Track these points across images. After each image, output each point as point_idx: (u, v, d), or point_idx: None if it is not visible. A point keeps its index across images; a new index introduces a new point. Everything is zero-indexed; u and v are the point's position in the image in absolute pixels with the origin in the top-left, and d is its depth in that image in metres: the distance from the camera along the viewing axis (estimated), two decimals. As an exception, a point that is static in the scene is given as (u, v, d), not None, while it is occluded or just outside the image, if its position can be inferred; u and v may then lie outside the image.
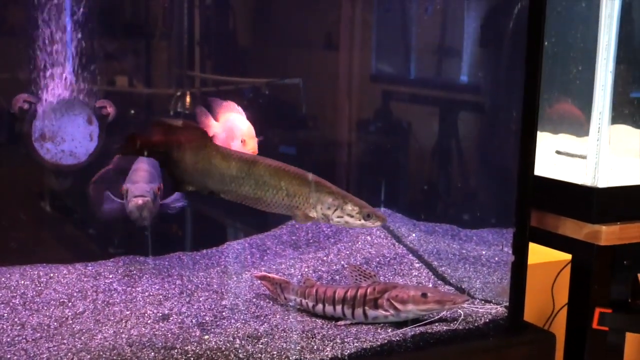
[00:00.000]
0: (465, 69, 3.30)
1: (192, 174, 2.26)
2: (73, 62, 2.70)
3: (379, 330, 2.30)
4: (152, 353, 2.11)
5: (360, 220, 2.21)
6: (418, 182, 3.51)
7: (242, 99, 3.10)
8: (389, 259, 2.83)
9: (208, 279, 2.66)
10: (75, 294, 2.49)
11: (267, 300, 2.54)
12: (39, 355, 2.09)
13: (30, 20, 2.64)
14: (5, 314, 2.35)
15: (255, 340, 2.21)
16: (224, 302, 2.49)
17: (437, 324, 2.33)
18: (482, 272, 2.73)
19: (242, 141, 2.47)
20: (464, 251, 2.88)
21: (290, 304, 2.48)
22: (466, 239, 3.01)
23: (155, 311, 2.38)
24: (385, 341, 2.23)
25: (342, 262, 2.79)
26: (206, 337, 2.22)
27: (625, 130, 2.72)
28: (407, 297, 2.29)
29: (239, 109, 2.61)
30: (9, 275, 2.57)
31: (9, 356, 2.09)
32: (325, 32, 3.43)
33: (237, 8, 3.35)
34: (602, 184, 2.48)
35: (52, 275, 2.60)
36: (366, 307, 2.33)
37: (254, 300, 2.53)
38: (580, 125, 2.59)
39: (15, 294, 2.47)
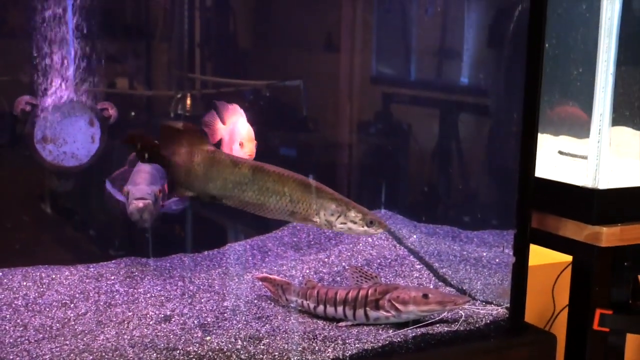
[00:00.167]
0: (466, 71, 3.30)
1: (192, 179, 2.27)
2: (75, 64, 2.71)
3: (380, 332, 2.30)
4: (154, 354, 2.12)
5: (363, 226, 2.22)
6: (419, 184, 3.52)
7: (242, 101, 3.10)
8: (390, 260, 2.83)
9: (209, 281, 2.67)
10: (77, 295, 2.50)
11: (269, 302, 2.54)
12: (42, 356, 2.09)
13: (32, 23, 2.65)
14: (8, 315, 2.36)
15: (257, 341, 2.21)
16: (225, 304, 2.49)
17: (438, 325, 2.34)
18: (483, 273, 2.73)
19: (240, 144, 2.47)
20: (464, 253, 2.89)
21: (292, 305, 2.48)
22: (467, 240, 3.01)
23: (157, 312, 2.39)
24: (387, 342, 2.24)
25: (344, 264, 2.80)
26: (208, 338, 2.22)
27: (625, 132, 2.72)
28: (408, 298, 2.30)
29: (241, 111, 2.62)
30: (11, 277, 2.58)
31: (11, 357, 2.09)
32: (326, 34, 3.43)
33: (238, 10, 3.36)
34: (602, 185, 2.49)
35: (54, 276, 2.60)
36: (367, 308, 2.33)
37: (256, 301, 2.54)
38: (581, 127, 2.59)
39: (17, 295, 2.48)
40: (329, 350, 2.18)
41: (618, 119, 2.57)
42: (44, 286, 2.54)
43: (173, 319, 2.35)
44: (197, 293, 2.56)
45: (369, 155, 3.62)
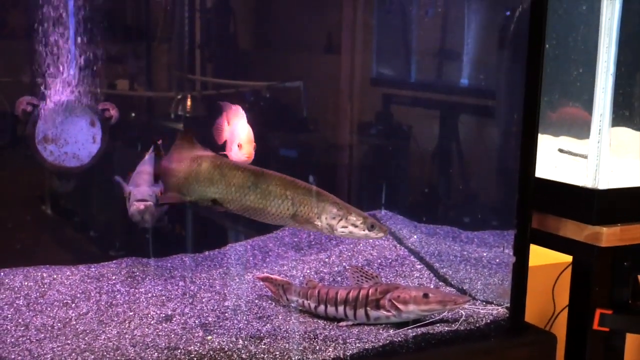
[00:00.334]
0: (466, 72, 3.31)
1: (190, 184, 2.28)
2: (76, 65, 2.71)
3: (380, 331, 2.31)
4: (156, 353, 2.12)
5: (364, 230, 2.22)
6: (419, 185, 3.52)
7: (243, 102, 3.11)
8: (390, 260, 2.84)
9: (210, 281, 2.67)
10: (78, 295, 2.50)
11: (270, 302, 2.55)
12: (43, 356, 2.10)
13: (34, 23, 2.65)
14: (9, 315, 2.36)
15: (258, 341, 2.22)
16: (226, 303, 2.50)
17: (438, 325, 2.34)
18: (483, 273, 2.74)
19: (238, 145, 2.48)
20: (465, 253, 2.89)
21: (293, 305, 2.49)
22: (467, 240, 3.02)
23: (158, 312, 2.39)
24: (387, 342, 2.24)
25: (344, 264, 2.80)
26: (209, 337, 2.23)
27: (625, 132, 2.73)
28: (408, 297, 2.30)
29: (243, 113, 2.62)
30: (12, 277, 2.58)
31: (13, 356, 2.10)
32: (326, 35, 3.44)
33: (238, 11, 3.36)
34: (602, 185, 2.49)
35: (55, 276, 2.61)
36: (368, 308, 2.34)
37: (257, 301, 2.54)
38: (581, 128, 2.60)
39: (19, 295, 2.48)
40: (330, 349, 2.19)
41: (618, 119, 2.58)
42: (45, 286, 2.54)
43: (174, 319, 2.35)
44: (198, 293, 2.56)
45: (369, 156, 3.63)
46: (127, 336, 2.23)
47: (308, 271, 2.77)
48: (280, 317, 2.42)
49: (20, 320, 2.33)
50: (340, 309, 2.37)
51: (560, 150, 2.74)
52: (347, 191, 3.51)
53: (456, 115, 3.39)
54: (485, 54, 3.21)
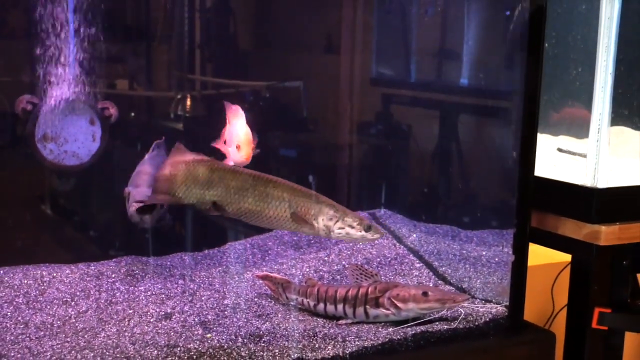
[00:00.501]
0: (465, 71, 3.31)
1: (189, 187, 2.30)
2: (76, 63, 2.71)
3: (380, 329, 2.31)
4: (155, 351, 2.12)
5: (361, 231, 2.23)
6: (418, 184, 3.52)
7: (242, 102, 3.11)
8: (389, 259, 2.84)
9: (210, 279, 2.67)
10: (78, 293, 2.50)
11: (269, 300, 2.55)
12: (43, 354, 2.10)
13: (33, 22, 2.65)
14: (9, 313, 2.36)
15: (257, 339, 2.22)
16: (226, 301, 2.50)
17: (437, 323, 2.34)
18: (482, 272, 2.74)
19: (237, 146, 2.48)
20: (464, 252, 2.90)
21: (292, 303, 2.49)
22: (466, 239, 3.02)
23: (158, 310, 2.39)
24: (386, 340, 2.24)
25: (344, 262, 2.80)
26: (209, 335, 2.23)
27: (624, 131, 2.73)
28: (408, 295, 2.30)
29: (242, 113, 2.62)
30: (12, 275, 2.58)
31: (12, 354, 2.10)
32: (326, 35, 3.44)
33: (238, 11, 3.37)
34: (601, 184, 2.49)
35: (55, 274, 2.61)
36: (367, 306, 2.34)
37: (256, 299, 2.54)
38: (580, 127, 2.60)
39: (18, 293, 2.48)
40: (329, 347, 2.19)
41: (617, 118, 2.58)
42: (44, 284, 2.55)
43: (174, 317, 2.35)
44: (197, 291, 2.56)
45: (369, 156, 3.63)
46: (126, 334, 2.23)
47: (307, 269, 2.77)
48: (279, 316, 2.42)
49: (19, 318, 2.33)
50: (340, 307, 2.37)
51: (560, 150, 2.74)
52: (346, 190, 3.52)
53: (455, 115, 3.39)
54: (485, 54, 3.22)
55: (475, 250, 2.90)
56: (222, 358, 2.10)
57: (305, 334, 2.27)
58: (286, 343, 2.21)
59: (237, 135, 2.47)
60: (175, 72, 3.35)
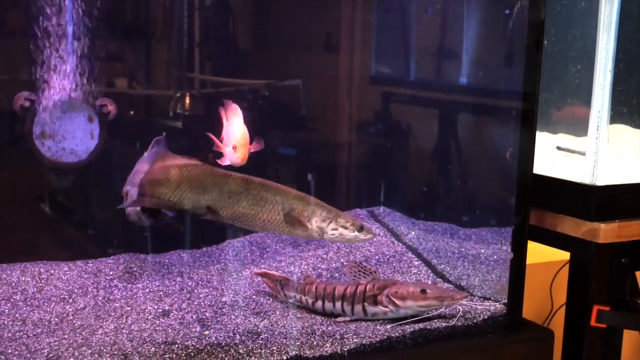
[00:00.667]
0: (465, 70, 3.31)
1: (183, 192, 2.30)
2: (74, 61, 2.71)
3: (378, 327, 2.30)
4: (153, 348, 2.12)
5: (354, 231, 2.24)
6: (418, 182, 3.52)
7: (241, 100, 3.11)
8: (388, 256, 2.84)
9: (208, 276, 2.67)
10: (76, 290, 2.50)
11: (267, 297, 2.55)
12: (40, 350, 2.10)
13: (32, 19, 2.65)
14: (7, 310, 2.36)
15: (255, 336, 2.22)
16: (224, 299, 2.50)
17: (436, 321, 2.34)
18: (480, 269, 2.74)
19: (233, 147, 2.47)
20: (462, 249, 2.89)
21: (290, 300, 2.49)
22: (465, 237, 3.02)
23: (155, 307, 2.39)
24: (385, 337, 2.24)
25: (342, 260, 2.80)
26: (206, 332, 2.23)
27: (623, 129, 2.73)
28: (406, 293, 2.30)
29: (240, 113, 2.61)
30: (9, 272, 2.58)
31: (10, 351, 2.10)
32: (325, 34, 3.44)
33: (237, 10, 3.36)
34: (600, 182, 2.49)
35: (52, 272, 2.61)
36: (365, 304, 2.34)
37: (254, 297, 2.54)
38: (579, 125, 2.60)
39: (16, 290, 2.48)
40: (327, 345, 2.18)
41: (616, 116, 2.58)
42: (42, 281, 2.54)
43: (172, 314, 2.35)
44: (195, 288, 2.56)
45: (368, 154, 3.63)
46: (124, 331, 2.23)
47: (306, 267, 2.77)
48: (277, 313, 2.42)
49: (17, 315, 2.33)
50: (338, 304, 2.37)
51: (559, 148, 2.74)
52: (346, 188, 3.51)
53: (455, 114, 3.39)
54: (485, 52, 3.21)
55: (473, 248, 2.90)
56: (220, 355, 2.10)
57: (304, 331, 2.27)
58: (284, 340, 2.20)
59: (234, 136, 2.46)
60: (175, 71, 3.35)
